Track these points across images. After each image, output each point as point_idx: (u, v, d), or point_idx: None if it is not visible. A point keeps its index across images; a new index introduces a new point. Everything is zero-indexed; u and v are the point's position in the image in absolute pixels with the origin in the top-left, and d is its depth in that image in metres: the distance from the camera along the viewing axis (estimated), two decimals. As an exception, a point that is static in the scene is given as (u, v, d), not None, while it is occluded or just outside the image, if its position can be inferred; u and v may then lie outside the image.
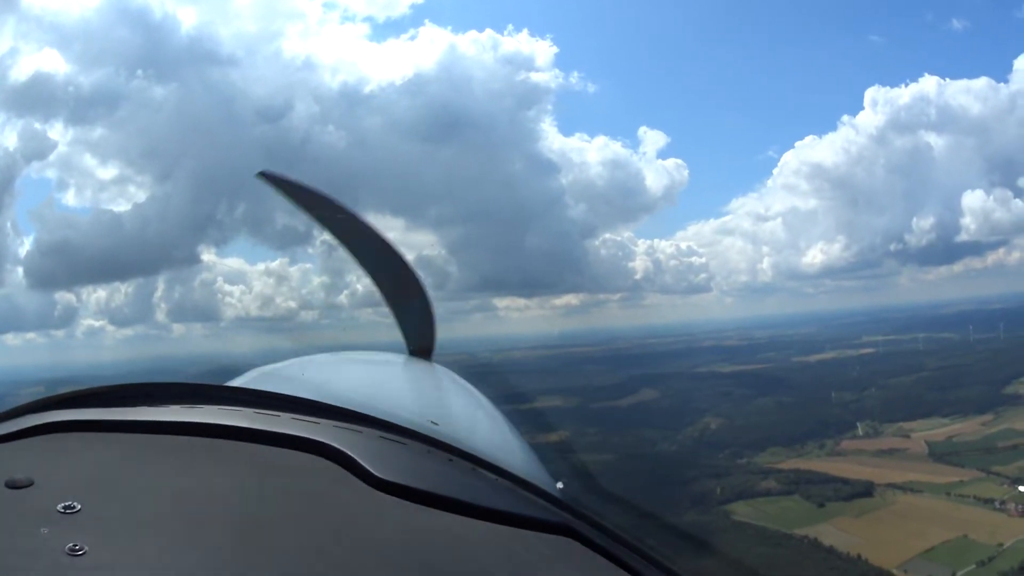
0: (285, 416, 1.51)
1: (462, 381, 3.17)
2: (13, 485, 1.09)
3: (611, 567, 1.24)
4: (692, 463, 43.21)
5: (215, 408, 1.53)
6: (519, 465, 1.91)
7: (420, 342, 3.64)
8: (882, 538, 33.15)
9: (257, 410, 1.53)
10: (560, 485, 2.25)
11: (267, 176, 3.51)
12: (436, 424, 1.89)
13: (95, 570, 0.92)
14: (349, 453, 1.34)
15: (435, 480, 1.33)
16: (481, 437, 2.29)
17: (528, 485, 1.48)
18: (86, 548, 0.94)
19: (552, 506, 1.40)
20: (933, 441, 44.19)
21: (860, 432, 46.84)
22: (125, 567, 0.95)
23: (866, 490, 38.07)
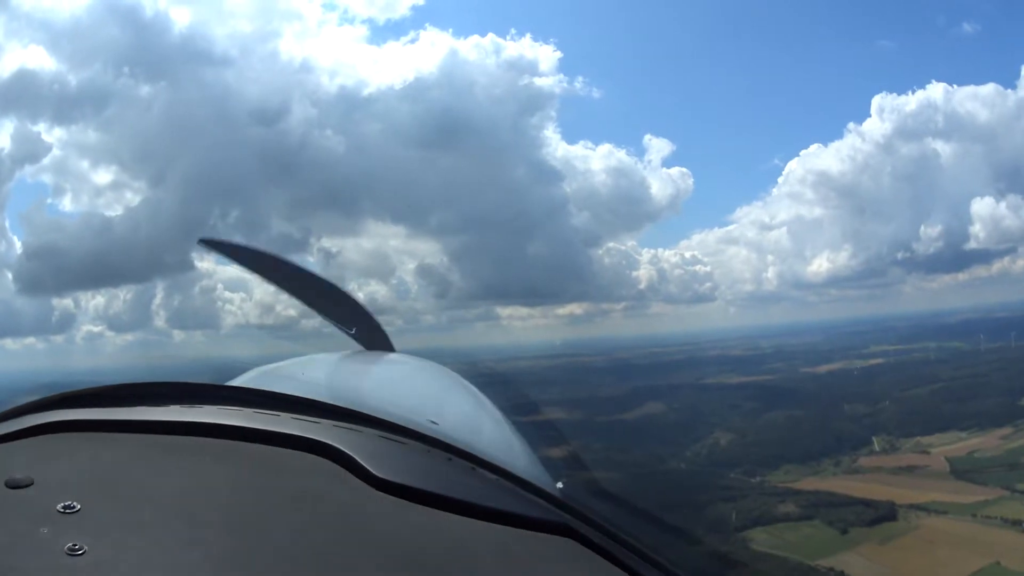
0: (285, 416, 1.51)
1: (462, 380, 3.09)
2: (13, 485, 1.11)
3: (611, 567, 1.25)
4: (704, 483, 41.27)
5: (215, 408, 1.53)
6: (519, 465, 1.88)
7: (375, 343, 3.77)
8: (912, 568, 31.41)
9: (257, 410, 1.53)
10: (560, 485, 2.19)
11: (207, 243, 4.10)
12: (436, 424, 1.84)
13: (95, 570, 0.94)
14: (349, 453, 1.34)
15: (435, 480, 1.33)
16: (481, 437, 2.23)
17: (528, 485, 1.46)
18: (86, 548, 0.95)
19: (552, 506, 1.39)
20: (954, 457, 42.45)
21: (877, 448, 45.10)
22: (125, 567, 0.96)
23: (889, 513, 36.08)
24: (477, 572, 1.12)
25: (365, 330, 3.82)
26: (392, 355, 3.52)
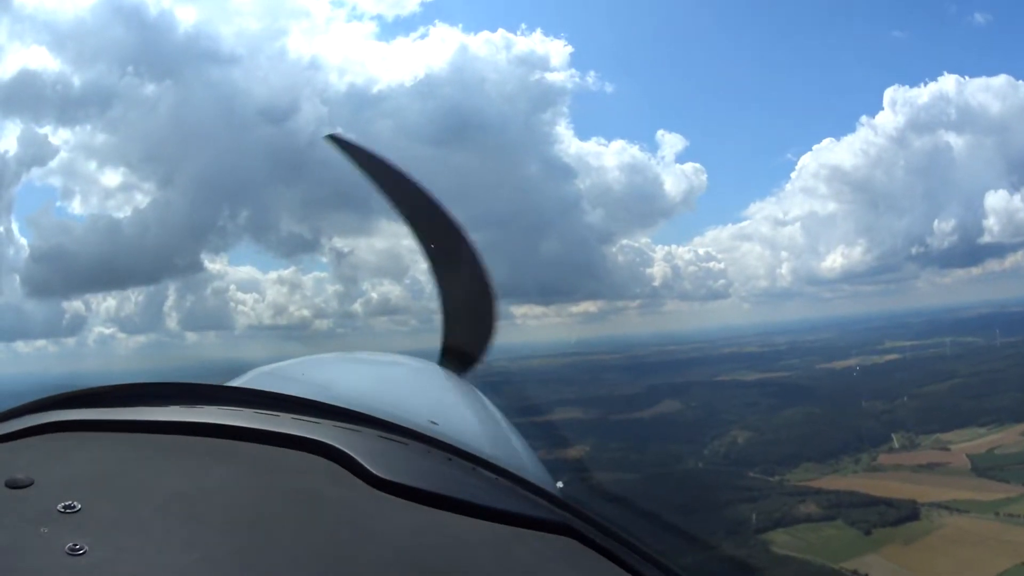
0: (285, 416, 1.50)
1: (462, 381, 3.04)
2: (13, 485, 1.11)
3: (611, 567, 1.24)
4: (722, 483, 40.99)
5: (215, 408, 1.53)
6: (519, 465, 1.89)
7: (463, 343, 3.34)
8: (937, 571, 31.11)
9: (257, 410, 1.52)
10: (560, 485, 2.20)
11: (336, 140, 3.59)
12: (436, 424, 1.83)
13: (95, 570, 0.94)
14: (349, 453, 1.34)
15: (435, 480, 1.33)
16: (481, 437, 2.21)
17: (528, 485, 1.46)
18: (86, 548, 0.96)
19: (552, 506, 1.38)
20: (974, 454, 42.02)
21: (896, 445, 44.72)
22: (125, 567, 0.97)
23: (912, 513, 35.77)
24: (477, 572, 1.13)
25: (466, 321, 3.40)
26: (391, 356, 3.46)
